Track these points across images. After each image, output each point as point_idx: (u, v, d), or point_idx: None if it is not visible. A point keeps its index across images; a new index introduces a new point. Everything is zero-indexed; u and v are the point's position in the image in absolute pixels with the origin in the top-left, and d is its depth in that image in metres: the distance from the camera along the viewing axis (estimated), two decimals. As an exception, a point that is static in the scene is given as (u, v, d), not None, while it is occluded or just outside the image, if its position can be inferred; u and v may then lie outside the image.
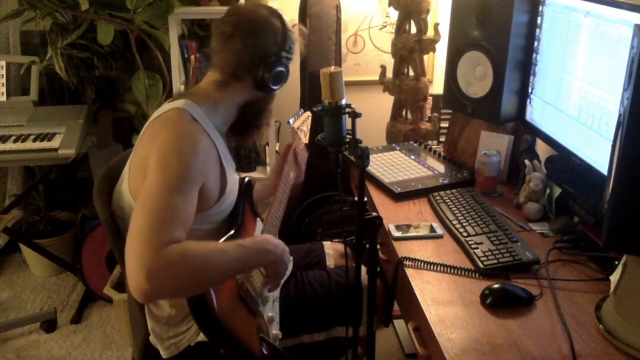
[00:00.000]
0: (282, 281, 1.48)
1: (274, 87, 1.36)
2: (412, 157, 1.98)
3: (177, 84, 2.38)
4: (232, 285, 1.30)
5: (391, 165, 1.90)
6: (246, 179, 1.50)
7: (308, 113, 1.81)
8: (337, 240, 1.87)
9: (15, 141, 2.21)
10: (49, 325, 2.39)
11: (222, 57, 1.32)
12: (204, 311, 1.19)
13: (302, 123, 1.76)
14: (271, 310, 1.44)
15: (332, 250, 1.77)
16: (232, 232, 1.33)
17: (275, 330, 1.42)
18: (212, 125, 1.31)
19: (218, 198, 1.31)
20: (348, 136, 1.18)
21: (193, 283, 1.12)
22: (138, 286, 1.04)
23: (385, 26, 2.69)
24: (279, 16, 1.35)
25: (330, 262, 1.73)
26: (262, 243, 1.30)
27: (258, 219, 1.54)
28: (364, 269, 1.29)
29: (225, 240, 1.28)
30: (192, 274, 1.10)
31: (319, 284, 1.57)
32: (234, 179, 1.40)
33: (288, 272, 1.50)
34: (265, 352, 1.30)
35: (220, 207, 1.33)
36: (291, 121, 1.74)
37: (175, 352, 1.36)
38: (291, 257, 1.52)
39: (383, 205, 1.69)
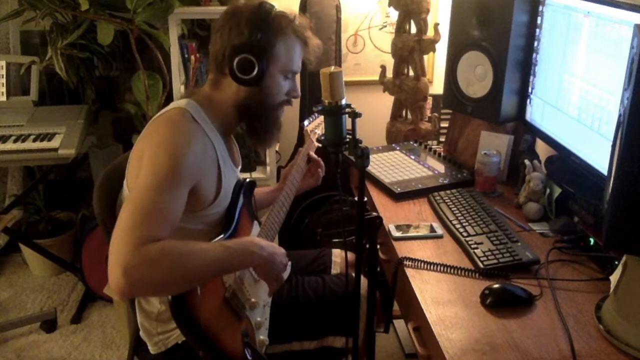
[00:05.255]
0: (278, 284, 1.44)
1: (244, 77, 1.27)
2: (412, 157, 1.98)
3: (177, 84, 2.38)
4: (218, 288, 1.28)
5: (391, 165, 1.90)
6: (247, 180, 1.47)
7: None
8: (336, 240, 1.85)
9: (15, 141, 2.21)
10: (49, 325, 2.39)
11: (209, 55, 1.33)
12: (183, 311, 1.18)
13: (317, 126, 1.74)
14: (260, 315, 1.40)
15: (340, 258, 1.73)
16: (223, 234, 1.30)
17: (262, 336, 1.38)
18: (213, 127, 1.30)
19: (213, 200, 1.30)
20: (348, 136, 1.18)
21: (170, 282, 1.11)
22: (115, 281, 1.04)
23: (385, 26, 2.69)
24: (256, 6, 1.29)
25: (335, 270, 1.69)
26: (247, 245, 1.26)
27: (255, 222, 1.50)
28: (364, 279, 1.28)
29: (213, 241, 1.26)
30: (169, 272, 1.09)
31: (312, 291, 1.53)
32: (232, 182, 1.38)
33: (285, 276, 1.46)
34: (249, 357, 1.28)
35: (215, 209, 1.32)
36: (306, 123, 1.72)
37: (163, 348, 1.35)
38: (289, 262, 1.50)
39: (383, 205, 1.69)
